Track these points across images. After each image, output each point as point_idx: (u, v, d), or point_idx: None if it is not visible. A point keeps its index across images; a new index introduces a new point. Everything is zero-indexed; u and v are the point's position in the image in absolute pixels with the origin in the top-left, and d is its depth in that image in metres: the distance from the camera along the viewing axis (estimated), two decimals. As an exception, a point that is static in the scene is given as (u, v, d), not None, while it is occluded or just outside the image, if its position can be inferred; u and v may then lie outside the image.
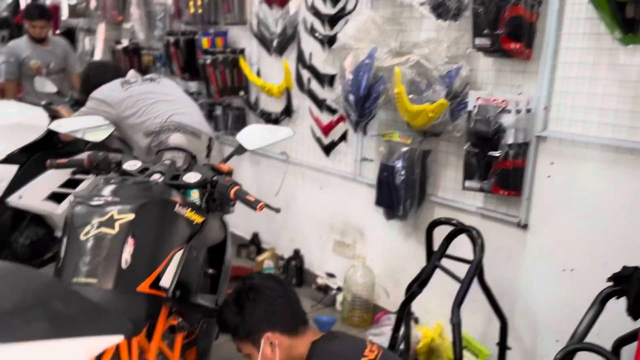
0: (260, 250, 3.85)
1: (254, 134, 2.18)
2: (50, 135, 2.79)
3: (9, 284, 0.80)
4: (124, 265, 1.35)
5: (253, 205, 1.79)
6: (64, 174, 2.78)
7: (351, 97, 2.69)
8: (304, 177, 3.48)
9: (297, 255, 3.55)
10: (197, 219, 1.73)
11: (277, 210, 1.93)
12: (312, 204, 3.47)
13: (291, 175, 3.56)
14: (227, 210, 2.07)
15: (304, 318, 1.73)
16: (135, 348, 1.41)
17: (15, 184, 2.65)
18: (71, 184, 2.76)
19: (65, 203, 2.69)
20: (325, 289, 3.36)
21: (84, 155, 1.90)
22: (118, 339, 1.00)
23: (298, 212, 3.58)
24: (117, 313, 1.19)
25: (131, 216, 1.41)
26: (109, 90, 2.46)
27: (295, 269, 3.53)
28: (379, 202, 2.83)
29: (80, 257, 1.33)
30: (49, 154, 2.39)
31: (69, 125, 2.22)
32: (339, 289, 3.26)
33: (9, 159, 2.65)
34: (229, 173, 1.94)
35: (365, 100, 2.67)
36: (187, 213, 1.66)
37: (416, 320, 2.86)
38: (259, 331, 1.65)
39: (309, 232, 3.52)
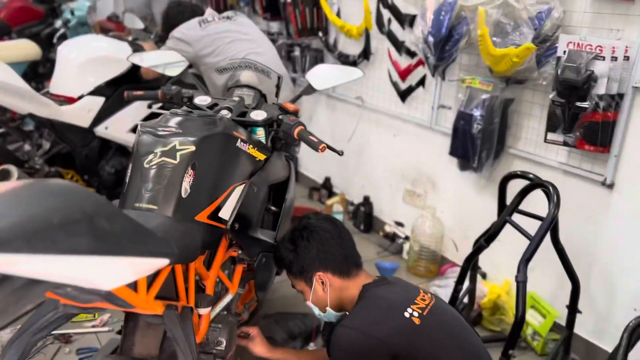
0: (331, 194, 3.87)
1: (323, 74, 2.13)
2: (135, 71, 2.91)
3: (58, 199, 0.84)
4: (183, 195, 1.39)
5: (315, 146, 1.77)
6: (146, 109, 2.90)
7: (430, 39, 2.55)
8: (378, 124, 3.41)
9: (366, 201, 3.54)
10: (260, 156, 1.74)
11: (340, 153, 1.90)
12: (385, 151, 3.40)
13: (365, 121, 3.50)
14: (292, 151, 2.08)
15: (357, 261, 1.72)
16: (192, 273, 1.47)
17: (102, 115, 2.81)
18: (152, 118, 2.88)
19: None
20: (392, 237, 3.34)
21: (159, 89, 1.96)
22: (163, 262, 1.04)
23: (370, 159, 3.53)
24: (169, 238, 1.23)
25: (192, 148, 1.43)
26: (187, 29, 2.49)
27: (364, 215, 3.52)
28: (453, 151, 2.71)
29: (143, 184, 1.39)
30: (132, 88, 2.50)
31: (147, 58, 2.29)
32: (407, 238, 3.23)
33: (96, 91, 2.80)
34: (295, 113, 1.92)
35: (446, 42, 2.52)
36: (249, 149, 1.67)
37: (484, 276, 2.78)
38: (311, 270, 1.67)
39: (380, 179, 3.48)
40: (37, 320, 1.26)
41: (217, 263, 1.65)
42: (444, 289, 2.73)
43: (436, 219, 3.01)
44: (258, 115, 1.86)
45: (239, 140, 1.61)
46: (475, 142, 2.52)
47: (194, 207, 1.42)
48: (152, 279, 1.24)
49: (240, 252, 1.78)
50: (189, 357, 1.23)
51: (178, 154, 1.42)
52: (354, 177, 3.72)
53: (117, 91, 2.83)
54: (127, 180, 1.43)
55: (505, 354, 1.98)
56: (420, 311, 1.54)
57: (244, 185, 1.65)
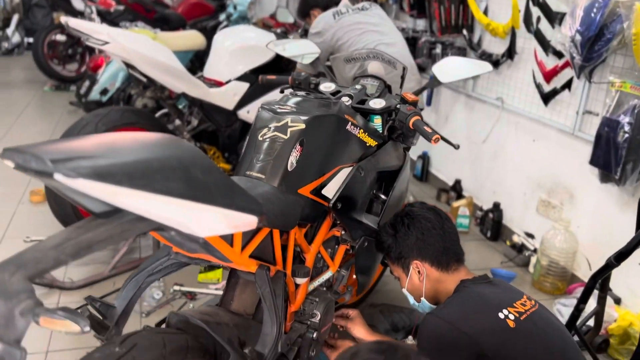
0: (459, 197, 3.76)
1: (450, 67, 2.10)
2: (279, 61, 3.12)
3: (162, 149, 0.97)
4: (289, 168, 1.49)
5: (428, 136, 1.76)
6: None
7: (578, 37, 2.36)
8: (517, 127, 3.23)
9: (496, 208, 3.37)
10: (371, 142, 1.78)
11: (456, 146, 1.87)
12: (521, 157, 3.22)
13: (504, 123, 3.34)
14: (409, 142, 2.07)
15: (458, 256, 1.68)
16: (292, 243, 1.56)
17: (245, 100, 3.07)
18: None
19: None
20: (520, 248, 3.14)
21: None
22: (251, 219, 1.13)
23: (505, 164, 3.36)
24: (270, 204, 1.33)
25: (302, 126, 1.52)
26: (323, 23, 2.61)
27: (492, 222, 3.36)
28: (594, 161, 2.48)
29: (255, 155, 1.51)
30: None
31: (286, 47, 2.45)
32: (535, 251, 3.02)
33: (243, 77, 3.06)
34: (414, 103, 1.92)
35: (595, 41, 2.32)
36: (359, 134, 1.72)
37: (617, 301, 2.51)
38: (409, 257, 1.67)
39: (514, 186, 3.30)
40: (152, 264, 1.44)
41: (319, 238, 1.73)
42: (569, 308, 2.52)
43: (570, 233, 2.78)
44: (376, 103, 1.90)
45: (350, 124, 1.66)
46: (620, 152, 2.29)
47: (297, 180, 1.51)
48: (248, 238, 1.35)
49: (343, 232, 1.84)
50: (273, 315, 1.32)
51: (289, 130, 1.52)
52: (485, 181, 3.57)
53: (260, 79, 3.06)
54: (242, 152, 1.57)
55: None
56: (517, 315, 1.47)
57: (351, 168, 1.71)
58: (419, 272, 1.66)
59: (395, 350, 0.93)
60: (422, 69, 3.83)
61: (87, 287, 2.55)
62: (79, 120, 2.62)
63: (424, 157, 4.23)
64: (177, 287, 2.57)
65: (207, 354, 1.29)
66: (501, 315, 1.45)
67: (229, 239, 1.26)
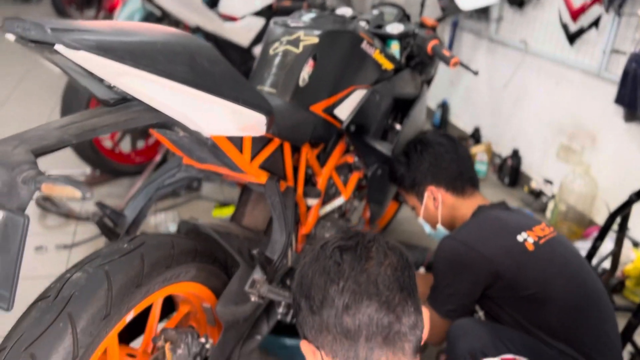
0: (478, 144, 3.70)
1: (471, -7, 2.01)
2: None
3: (168, 36, 0.94)
4: (301, 83, 1.45)
5: (447, 60, 1.72)
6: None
7: (609, -33, 2.24)
8: (540, 71, 3.12)
9: (515, 155, 3.31)
10: (387, 64, 1.73)
11: (475, 72, 1.81)
12: (543, 101, 3.12)
13: (526, 68, 3.24)
14: (428, 72, 2.02)
15: (473, 181, 1.65)
16: (303, 161, 1.54)
17: (261, 36, 3.00)
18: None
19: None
20: (538, 194, 3.09)
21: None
22: (260, 118, 1.11)
23: (526, 109, 3.28)
24: (281, 117, 1.30)
25: (315, 40, 1.48)
26: None
27: (510, 169, 3.30)
28: (620, 99, 2.40)
29: (267, 69, 1.48)
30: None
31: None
32: (553, 197, 2.97)
33: (258, 13, 2.99)
34: (433, 28, 1.86)
35: (627, -29, 2.20)
36: (375, 54, 1.66)
37: (635, 244, 2.46)
38: (423, 183, 1.64)
39: (534, 132, 3.22)
40: (162, 176, 1.43)
41: (331, 162, 1.71)
42: (585, 252, 2.48)
43: (590, 177, 2.71)
44: (394, 28, 1.84)
45: (365, 42, 1.61)
46: (647, 89, 2.20)
47: (309, 96, 1.47)
48: (259, 148, 1.33)
49: (356, 159, 1.81)
50: (282, 224, 1.31)
51: (301, 44, 1.48)
52: (505, 128, 3.49)
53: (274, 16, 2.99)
54: (254, 67, 1.53)
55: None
56: (536, 239, 1.44)
57: (366, 90, 1.67)
58: (434, 198, 1.63)
59: (364, 236, 0.92)
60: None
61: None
62: None
63: (443, 106, 4.14)
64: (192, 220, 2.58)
65: (216, 262, 1.29)
66: (520, 239, 1.42)
67: (238, 145, 1.24)
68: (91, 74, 0.89)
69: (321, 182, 1.68)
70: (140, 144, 2.92)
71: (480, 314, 1.58)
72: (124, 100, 0.99)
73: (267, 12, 2.99)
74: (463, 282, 1.40)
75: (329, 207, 1.75)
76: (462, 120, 3.96)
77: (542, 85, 3.12)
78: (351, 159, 1.80)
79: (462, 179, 1.62)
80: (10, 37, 0.82)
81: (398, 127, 1.92)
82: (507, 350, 1.29)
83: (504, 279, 1.39)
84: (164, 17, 2.73)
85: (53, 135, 0.85)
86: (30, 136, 0.84)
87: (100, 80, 0.93)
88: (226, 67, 1.02)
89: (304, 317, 0.89)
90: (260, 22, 2.98)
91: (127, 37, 0.88)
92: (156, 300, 1.17)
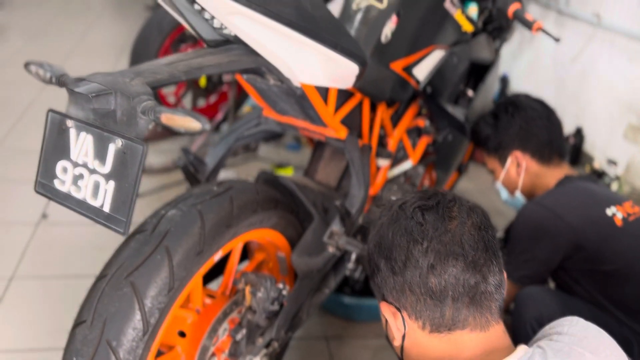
0: (538, 121, 3.60)
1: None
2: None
3: None
4: (383, 40, 1.43)
5: (530, 25, 1.66)
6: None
7: None
8: (612, 45, 2.99)
9: (578, 133, 3.20)
10: (467, 26, 1.69)
11: (556, 39, 1.75)
12: (613, 77, 3.00)
13: (596, 42, 3.10)
14: (503, 37, 1.96)
15: (561, 150, 1.60)
16: (379, 120, 1.53)
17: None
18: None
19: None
20: (600, 174, 2.99)
21: None
22: (354, 67, 1.10)
23: (592, 86, 3.16)
24: (367, 74, 1.28)
25: (401, -3, 1.45)
26: None
27: (572, 147, 3.21)
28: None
29: (348, 24, 1.45)
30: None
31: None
32: (617, 178, 2.87)
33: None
34: (515, -9, 1.79)
35: None
36: (457, 15, 1.63)
37: None
38: (509, 147, 1.60)
39: (601, 109, 3.10)
40: (242, 127, 1.46)
41: (404, 123, 1.69)
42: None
43: (659, 159, 2.62)
44: (474, -12, 1.79)
45: (448, 0, 1.57)
46: None
47: (390, 54, 1.46)
48: (341, 103, 1.33)
49: (427, 123, 1.79)
50: (360, 180, 1.32)
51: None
52: (569, 104, 3.38)
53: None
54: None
55: None
56: (625, 215, 1.40)
57: (445, 51, 1.64)
58: (517, 164, 1.60)
59: (444, 195, 0.90)
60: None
61: (165, 173, 2.65)
62: (145, 24, 2.64)
63: (503, 80, 4.03)
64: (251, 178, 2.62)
65: (293, 213, 1.31)
66: (608, 212, 1.39)
67: (324, 97, 1.24)
68: (200, 13, 0.91)
69: (392, 144, 1.67)
70: (201, 102, 2.97)
71: (552, 285, 1.56)
72: (226, 42, 1.01)
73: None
74: (543, 249, 1.38)
75: (396, 170, 1.74)
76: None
77: (613, 61, 2.99)
78: (422, 122, 1.78)
79: (551, 147, 1.58)
80: None
81: (470, 93, 1.89)
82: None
83: (586, 251, 1.36)
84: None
85: (164, 71, 0.88)
86: (144, 70, 0.87)
87: (207, 20, 0.95)
88: (326, 13, 1.02)
89: (384, 278, 0.89)
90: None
91: None
92: (237, 245, 1.20)
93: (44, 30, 4.96)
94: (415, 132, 1.84)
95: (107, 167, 0.81)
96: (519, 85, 3.94)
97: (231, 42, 1.00)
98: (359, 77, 1.17)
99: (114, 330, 0.89)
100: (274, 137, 1.64)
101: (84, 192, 0.83)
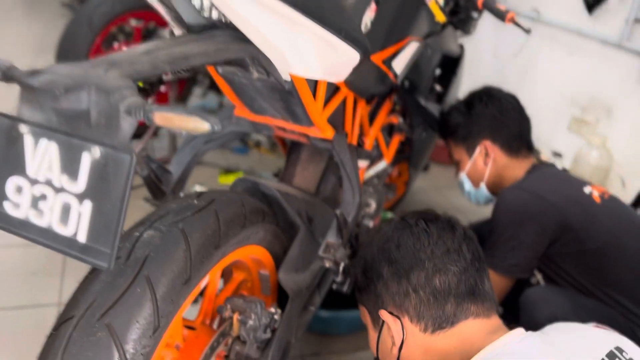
0: (482, 117, 3.63)
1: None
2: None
3: None
4: (363, 29, 1.31)
5: (502, 15, 1.61)
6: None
7: None
8: (552, 40, 3.05)
9: (522, 126, 3.25)
10: (440, 16, 1.61)
11: (527, 31, 1.71)
12: (554, 72, 3.07)
13: (537, 37, 3.16)
14: (468, 29, 1.91)
15: (529, 144, 1.59)
16: (359, 116, 1.40)
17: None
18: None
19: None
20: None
21: None
22: (354, 56, 0.98)
23: (535, 80, 3.21)
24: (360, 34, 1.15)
25: (378, -18, 1.34)
26: None
27: (517, 141, 3.25)
28: (647, 69, 2.35)
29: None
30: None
31: None
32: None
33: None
34: (483, -19, 1.73)
35: None
36: (431, 4, 1.54)
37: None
38: (479, 136, 1.56)
39: (543, 103, 3.16)
40: (210, 129, 1.28)
41: (380, 120, 1.58)
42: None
43: (606, 149, 2.68)
44: (441, -22, 1.71)
45: (424, -12, 1.48)
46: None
47: (371, 44, 1.34)
48: (327, 99, 1.19)
49: (401, 120, 1.69)
50: (354, 183, 1.19)
51: (363, -15, 1.33)
52: (512, 99, 3.43)
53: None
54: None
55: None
56: (600, 192, 1.40)
57: (419, 43, 1.54)
58: (486, 154, 1.55)
59: (441, 214, 1.01)
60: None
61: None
62: (72, 20, 2.36)
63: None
64: (198, 187, 2.42)
65: (278, 225, 1.16)
66: (586, 191, 1.40)
67: (312, 87, 1.09)
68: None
69: (368, 143, 1.55)
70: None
71: (539, 277, 1.51)
72: (209, 28, 0.84)
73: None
74: (529, 233, 1.33)
75: (372, 171, 1.63)
76: (461, 93, 3.88)
77: (553, 56, 3.06)
78: (396, 119, 1.68)
79: (521, 140, 1.56)
80: None
81: (438, 88, 1.82)
82: (589, 319, 1.22)
83: (573, 230, 1.33)
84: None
85: (144, 60, 0.70)
86: (118, 59, 0.69)
87: (190, 1, 0.78)
88: None
89: (386, 284, 0.94)
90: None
91: None
92: (224, 267, 1.03)
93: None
94: (386, 130, 1.74)
95: (80, 184, 0.62)
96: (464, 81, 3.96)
97: (216, 28, 0.84)
98: (356, 68, 1.04)
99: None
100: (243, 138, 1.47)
101: (48, 218, 0.63)
